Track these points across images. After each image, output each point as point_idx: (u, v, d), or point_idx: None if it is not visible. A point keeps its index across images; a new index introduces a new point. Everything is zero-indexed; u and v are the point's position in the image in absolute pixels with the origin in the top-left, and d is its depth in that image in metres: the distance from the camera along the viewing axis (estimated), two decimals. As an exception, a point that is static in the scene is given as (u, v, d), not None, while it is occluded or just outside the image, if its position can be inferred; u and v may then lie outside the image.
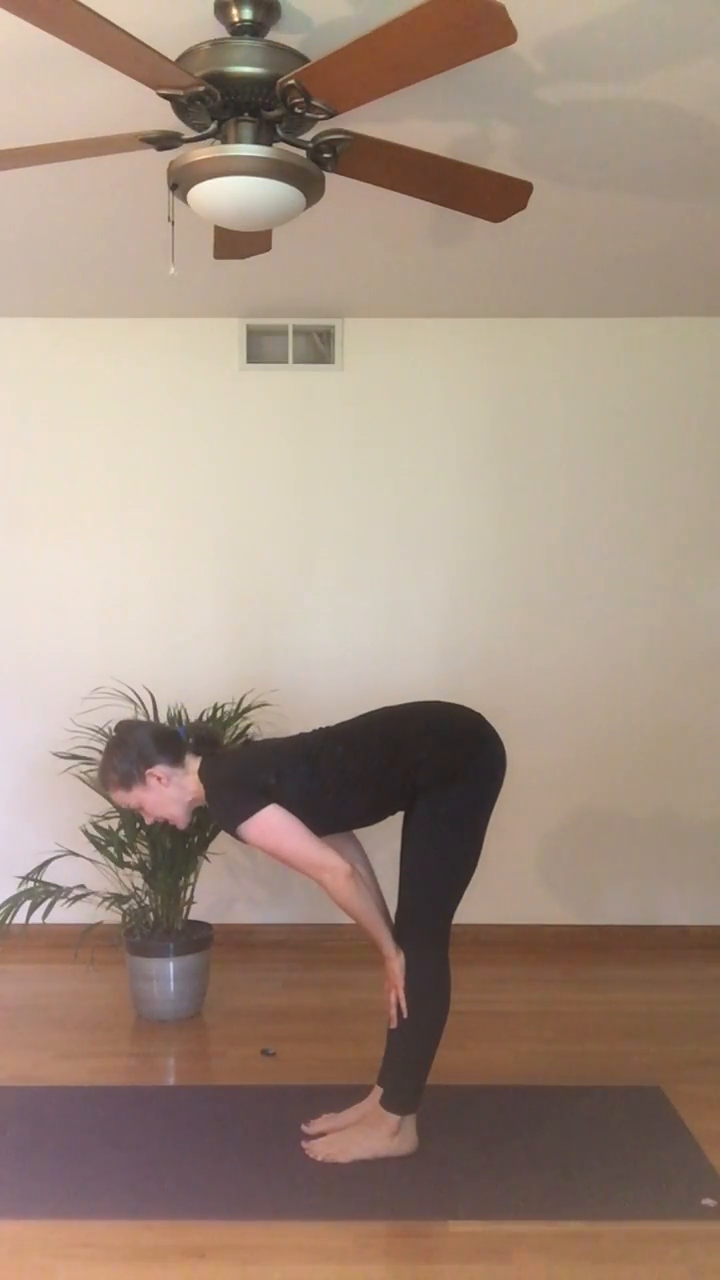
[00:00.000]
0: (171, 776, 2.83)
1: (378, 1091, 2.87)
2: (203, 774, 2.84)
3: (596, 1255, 2.43)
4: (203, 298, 4.38)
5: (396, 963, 2.76)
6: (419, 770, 2.76)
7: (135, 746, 2.85)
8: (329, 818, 2.82)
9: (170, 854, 3.81)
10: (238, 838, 2.76)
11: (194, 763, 2.86)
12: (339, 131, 2.49)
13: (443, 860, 2.79)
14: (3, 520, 4.68)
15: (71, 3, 1.97)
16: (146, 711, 4.02)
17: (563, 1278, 2.36)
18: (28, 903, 3.64)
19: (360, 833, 3.02)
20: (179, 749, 2.86)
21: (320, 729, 2.93)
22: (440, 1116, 2.97)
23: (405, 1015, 2.77)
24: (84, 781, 3.97)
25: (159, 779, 2.82)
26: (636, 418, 4.67)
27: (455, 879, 2.80)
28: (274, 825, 2.72)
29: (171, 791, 2.84)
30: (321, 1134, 2.91)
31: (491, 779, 2.82)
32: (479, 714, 2.89)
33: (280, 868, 4.12)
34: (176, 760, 2.84)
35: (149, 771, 2.82)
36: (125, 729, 2.97)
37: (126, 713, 4.05)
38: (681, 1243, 2.48)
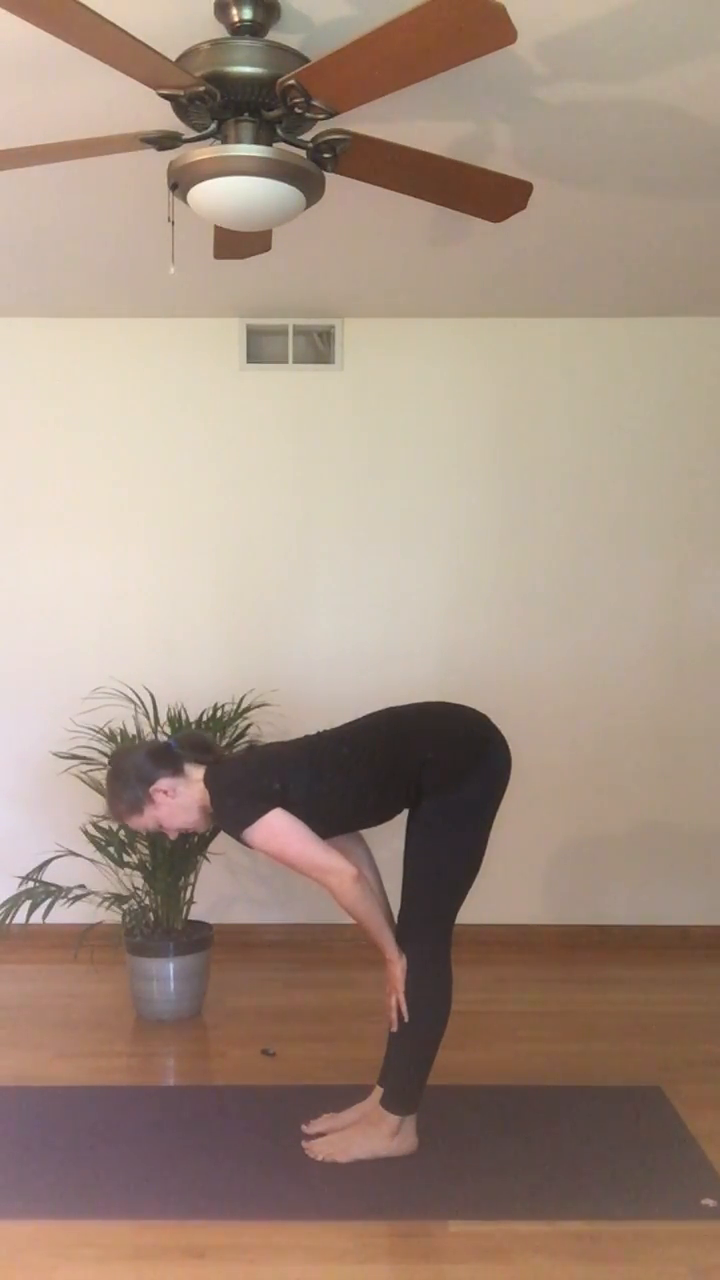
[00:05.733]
0: (176, 788, 2.82)
1: (378, 1091, 2.88)
2: (207, 781, 2.83)
3: (596, 1255, 2.43)
4: (203, 298, 4.38)
5: (398, 966, 2.76)
6: (424, 771, 2.76)
7: (133, 770, 2.84)
8: (334, 820, 2.82)
9: (170, 854, 3.81)
10: (243, 843, 2.76)
11: (196, 771, 2.85)
12: (339, 131, 2.49)
13: (447, 861, 2.79)
14: (2, 520, 4.68)
15: (71, 3, 1.97)
16: (146, 711, 4.02)
17: (563, 1278, 2.36)
18: (28, 903, 3.64)
19: (363, 831, 3.02)
20: (176, 760, 2.85)
21: (324, 731, 2.93)
22: (440, 1116, 2.97)
23: (405, 1019, 2.77)
24: (84, 781, 3.97)
25: (165, 793, 2.81)
26: (637, 418, 4.67)
27: (459, 880, 2.80)
28: (278, 830, 2.71)
29: (181, 801, 2.83)
30: (321, 1134, 2.91)
31: (497, 780, 2.82)
32: (484, 714, 2.89)
33: (280, 868, 4.12)
34: (176, 771, 2.84)
35: (154, 789, 2.81)
36: (118, 757, 2.99)
37: (126, 713, 4.06)
38: (681, 1243, 2.48)
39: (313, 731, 2.97)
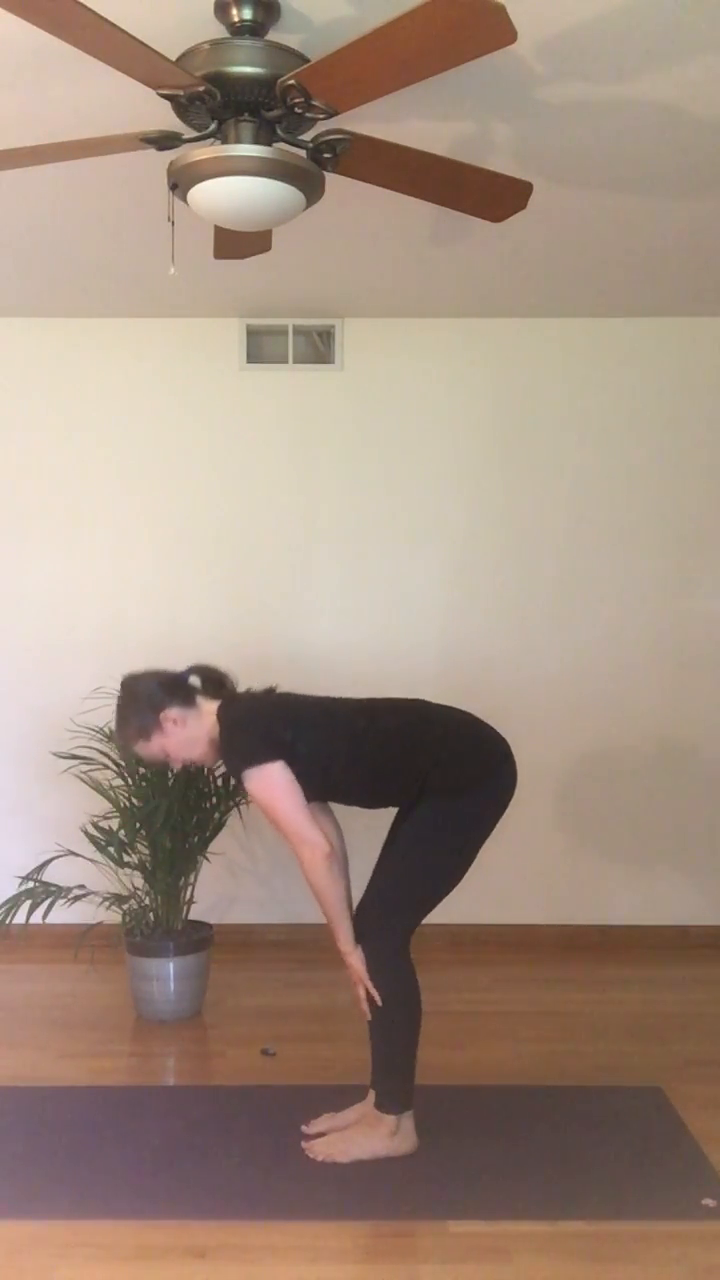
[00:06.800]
0: (186, 718, 2.81)
1: (372, 1094, 2.87)
2: (220, 715, 2.82)
3: (596, 1255, 2.43)
4: (203, 298, 4.38)
5: (355, 956, 2.76)
6: (433, 771, 2.76)
7: (145, 695, 2.84)
8: (330, 786, 2.83)
9: (170, 854, 3.81)
10: (239, 781, 2.78)
11: (209, 704, 2.85)
12: (339, 131, 2.49)
13: (431, 868, 2.79)
14: (2, 520, 4.68)
15: (71, 3, 1.97)
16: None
17: (563, 1278, 2.36)
18: (28, 903, 3.64)
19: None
20: (188, 691, 2.85)
21: (348, 698, 2.92)
22: (440, 1116, 2.97)
23: (379, 1004, 2.76)
24: (84, 781, 3.97)
25: (174, 721, 2.80)
26: (637, 417, 4.67)
27: (437, 888, 2.80)
28: (275, 782, 2.71)
29: (189, 732, 2.82)
30: (321, 1134, 2.92)
31: (500, 800, 2.82)
32: (504, 737, 2.88)
33: (280, 867, 4.12)
34: (188, 702, 2.83)
35: (163, 715, 2.80)
36: (131, 682, 2.93)
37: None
38: (681, 1243, 2.48)
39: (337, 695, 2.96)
